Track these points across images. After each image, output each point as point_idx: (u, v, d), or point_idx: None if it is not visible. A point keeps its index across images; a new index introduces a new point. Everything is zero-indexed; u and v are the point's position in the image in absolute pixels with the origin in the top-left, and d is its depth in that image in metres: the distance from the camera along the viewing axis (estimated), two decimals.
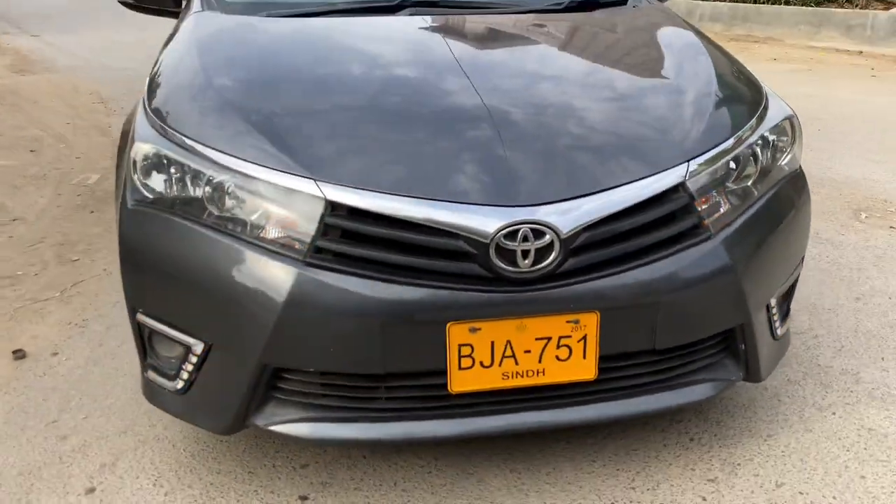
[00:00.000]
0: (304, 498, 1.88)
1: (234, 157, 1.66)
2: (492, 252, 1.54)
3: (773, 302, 1.84)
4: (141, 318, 1.78)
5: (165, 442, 2.10)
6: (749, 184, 1.80)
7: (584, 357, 1.62)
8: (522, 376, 1.63)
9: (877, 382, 2.29)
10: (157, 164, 1.74)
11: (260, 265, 1.59)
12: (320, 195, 1.58)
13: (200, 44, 2.15)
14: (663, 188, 1.65)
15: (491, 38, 2.36)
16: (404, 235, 1.57)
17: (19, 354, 2.57)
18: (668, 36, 2.45)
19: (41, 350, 2.60)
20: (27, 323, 2.79)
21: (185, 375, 1.75)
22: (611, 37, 2.45)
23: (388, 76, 2.06)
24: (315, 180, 1.60)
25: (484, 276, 1.57)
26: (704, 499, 1.83)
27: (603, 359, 1.64)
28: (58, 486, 1.93)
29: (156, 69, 2.09)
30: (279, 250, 1.59)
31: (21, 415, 2.24)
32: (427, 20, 2.40)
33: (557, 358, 1.62)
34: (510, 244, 1.54)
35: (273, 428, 1.69)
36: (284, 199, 1.61)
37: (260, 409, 1.70)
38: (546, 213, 1.55)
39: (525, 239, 1.54)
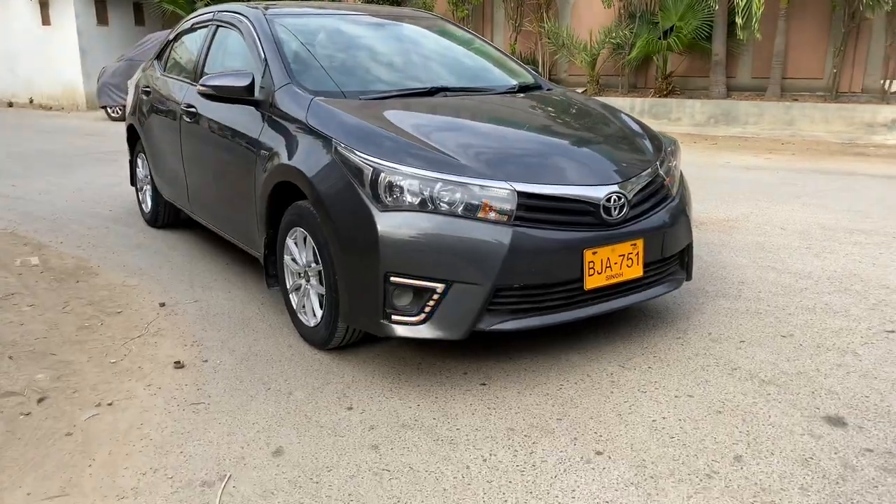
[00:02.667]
0: (483, 384, 3.05)
1: (457, 175, 2.87)
2: (601, 209, 2.98)
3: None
4: (395, 279, 2.83)
5: (364, 381, 3.07)
6: (672, 172, 3.46)
7: (638, 264, 3.10)
8: (614, 277, 3.04)
9: (726, 294, 4.12)
10: (397, 184, 2.85)
11: (486, 229, 2.82)
12: (512, 189, 2.88)
13: (366, 116, 3.22)
14: (655, 172, 3.24)
15: (511, 106, 3.79)
16: (555, 204, 2.93)
17: (179, 365, 3.26)
18: (594, 102, 4.08)
19: (190, 362, 3.31)
20: (147, 351, 3.42)
21: (427, 309, 2.85)
22: (572, 103, 3.99)
23: (505, 126, 3.42)
24: (508, 180, 2.89)
25: (596, 223, 2.98)
26: (682, 344, 3.40)
27: (645, 265, 3.14)
28: (323, 410, 2.84)
29: (337, 133, 3.09)
30: (495, 220, 2.84)
31: (255, 385, 3.02)
32: (466, 100, 3.77)
33: (626, 265, 3.06)
34: (608, 204, 2.99)
35: (491, 328, 2.88)
36: (494, 194, 2.85)
37: (480, 319, 2.88)
38: (622, 187, 3.04)
39: (614, 200, 3.00)
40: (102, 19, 16.40)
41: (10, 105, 17.63)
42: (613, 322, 3.64)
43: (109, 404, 2.90)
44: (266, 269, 3.66)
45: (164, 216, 5.51)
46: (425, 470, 2.44)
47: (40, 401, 2.92)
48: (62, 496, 2.32)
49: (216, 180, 4.15)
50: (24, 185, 7.44)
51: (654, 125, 10.98)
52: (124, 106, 13.49)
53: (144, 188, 5.72)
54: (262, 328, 3.67)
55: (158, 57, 5.43)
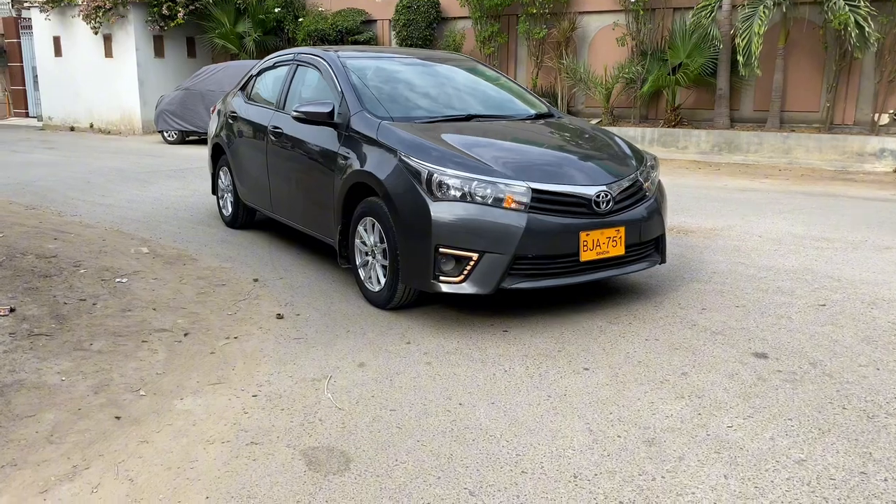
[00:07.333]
0: (505, 331, 4.14)
1: (489, 176, 4.00)
2: (592, 203, 4.09)
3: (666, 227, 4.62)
4: (443, 250, 3.95)
5: (417, 327, 4.17)
6: (650, 180, 4.56)
7: (621, 245, 4.18)
8: (602, 253, 4.12)
9: (699, 273, 5.18)
10: (445, 183, 3.98)
11: (509, 215, 3.93)
12: (528, 186, 4.00)
13: (421, 135, 4.35)
14: (635, 178, 4.34)
15: (529, 129, 4.95)
16: (559, 198, 4.04)
17: (279, 316, 4.39)
18: (592, 127, 5.22)
19: (287, 315, 4.43)
20: (253, 308, 4.56)
21: (465, 272, 3.96)
22: (575, 128, 5.13)
23: (523, 143, 4.58)
24: (525, 181, 4.01)
25: (589, 213, 4.08)
26: (657, 309, 4.47)
27: (627, 246, 4.22)
28: (390, 343, 3.94)
29: (401, 146, 4.22)
30: (515, 209, 3.95)
31: (338, 329, 4.14)
32: (494, 124, 4.93)
33: (612, 245, 4.15)
34: (597, 199, 4.10)
35: (512, 286, 3.98)
36: (515, 190, 3.96)
37: (504, 279, 3.98)
38: (608, 187, 4.15)
39: (602, 196, 4.11)
40: (159, 52, 17.91)
41: (72, 129, 19.16)
42: (607, 293, 4.72)
43: (236, 337, 4.04)
44: (339, 251, 4.80)
45: (242, 218, 6.69)
46: (465, 375, 3.53)
47: (185, 334, 4.06)
48: (220, 384, 3.44)
49: (299, 185, 5.31)
50: (113, 196, 8.69)
51: (663, 153, 12.09)
52: (180, 131, 15.01)
53: (225, 195, 6.92)
54: (335, 295, 4.80)
55: (242, 88, 6.65)
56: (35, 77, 21.59)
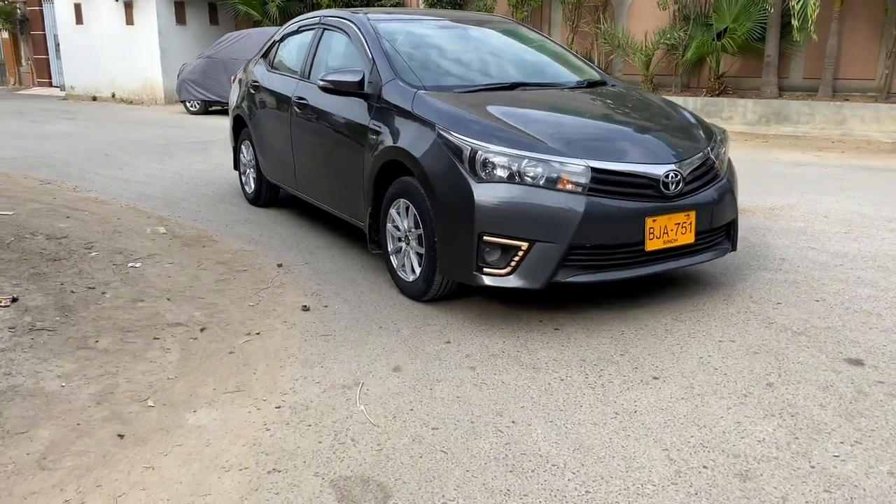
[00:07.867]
0: (556, 329, 3.67)
1: (541, 154, 3.49)
2: (660, 184, 3.57)
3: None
4: (487, 238, 3.46)
5: (457, 324, 3.72)
6: (721, 157, 4.04)
7: (690, 232, 3.68)
8: (669, 242, 3.63)
9: (770, 256, 4.66)
10: (490, 161, 3.47)
11: (565, 198, 3.43)
12: (587, 165, 3.49)
13: (462, 106, 3.84)
14: (706, 156, 3.81)
15: (581, 98, 4.42)
16: (622, 179, 3.53)
17: (305, 308, 3.96)
18: (654, 97, 4.69)
19: (313, 307, 4.00)
20: (276, 298, 4.14)
21: (512, 263, 3.47)
22: (635, 97, 4.59)
23: (578, 115, 4.06)
24: (583, 158, 3.51)
25: (656, 196, 3.57)
26: (727, 304, 3.97)
27: (696, 234, 3.71)
28: (427, 343, 3.50)
29: (440, 119, 3.71)
30: (572, 191, 3.45)
31: (369, 325, 3.70)
32: (543, 93, 4.41)
33: (681, 233, 3.65)
34: (666, 180, 3.58)
35: (566, 280, 3.49)
36: (571, 170, 3.46)
37: (557, 272, 3.50)
38: (678, 166, 3.63)
39: (672, 177, 3.59)
40: (181, 19, 17.47)
41: (94, 99, 18.86)
42: (668, 285, 4.23)
43: (257, 333, 3.62)
44: (369, 235, 4.34)
45: (265, 196, 6.26)
46: (515, 384, 3.08)
47: (202, 330, 3.65)
48: (239, 392, 3.03)
49: (325, 162, 4.85)
50: (131, 170, 8.31)
51: None
52: (203, 101, 14.59)
53: (248, 171, 6.48)
54: (365, 285, 4.35)
55: (264, 55, 6.17)
56: (57, 46, 21.26)
